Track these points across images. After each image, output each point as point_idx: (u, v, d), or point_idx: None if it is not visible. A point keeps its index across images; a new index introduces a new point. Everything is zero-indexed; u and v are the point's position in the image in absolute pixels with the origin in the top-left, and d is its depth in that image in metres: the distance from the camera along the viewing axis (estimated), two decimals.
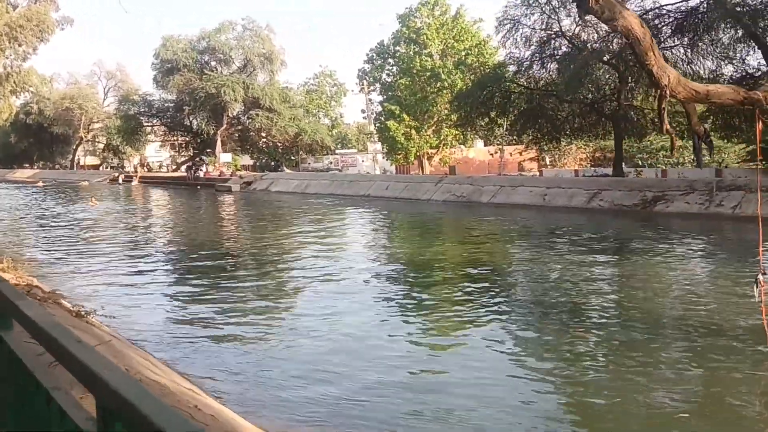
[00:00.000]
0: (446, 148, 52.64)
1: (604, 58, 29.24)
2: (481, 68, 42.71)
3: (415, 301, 10.96)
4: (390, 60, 57.18)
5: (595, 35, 32.17)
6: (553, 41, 32.27)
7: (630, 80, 31.09)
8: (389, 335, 8.54)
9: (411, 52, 50.82)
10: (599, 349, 7.91)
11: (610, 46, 29.34)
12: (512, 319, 9.36)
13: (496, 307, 10.07)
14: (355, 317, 9.44)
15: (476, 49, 50.16)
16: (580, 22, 31.72)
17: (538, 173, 46.70)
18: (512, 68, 33.25)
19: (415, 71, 49.47)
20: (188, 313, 9.42)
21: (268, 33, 64.61)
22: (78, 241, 18.91)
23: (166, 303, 10.16)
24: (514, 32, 32.36)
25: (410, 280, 12.90)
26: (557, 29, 31.64)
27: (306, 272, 13.25)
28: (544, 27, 32.03)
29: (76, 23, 57.65)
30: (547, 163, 47.76)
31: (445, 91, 48.62)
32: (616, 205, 24.29)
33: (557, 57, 32.12)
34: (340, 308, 9.99)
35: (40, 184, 63.41)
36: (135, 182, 64.04)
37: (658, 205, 23.25)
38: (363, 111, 64.65)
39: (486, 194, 29.97)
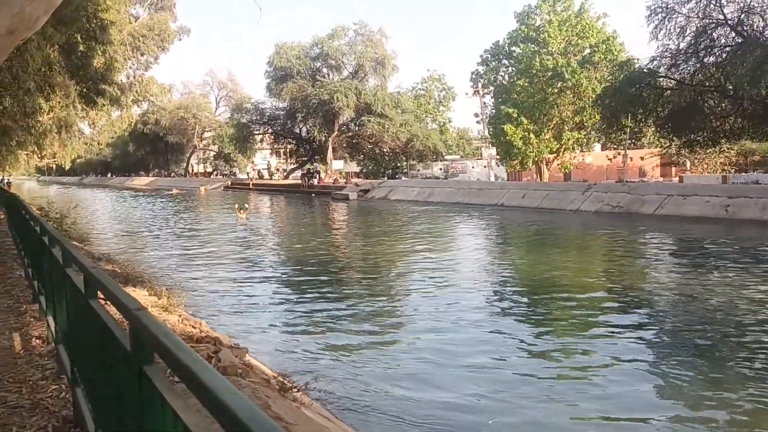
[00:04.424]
0: (567, 152, 49.50)
1: None
2: (619, 65, 39.26)
3: (554, 327, 9.73)
4: (505, 61, 54.75)
5: (762, 23, 28.53)
6: (711, 31, 28.76)
7: None
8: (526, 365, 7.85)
9: (530, 52, 47.99)
10: None
11: None
12: (665, 354, 8.21)
13: (646, 340, 8.75)
14: (486, 349, 8.51)
15: (603, 46, 46.80)
16: (745, 9, 28.18)
17: (663, 179, 42.97)
18: (666, 61, 29.81)
19: (534, 71, 46.60)
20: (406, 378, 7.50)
21: (381, 37, 63.62)
22: (236, 264, 17.24)
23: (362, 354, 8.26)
24: (667, 22, 29.09)
25: (549, 302, 11.34)
26: (719, 17, 28.13)
27: (456, 295, 11.56)
28: (702, 15, 28.59)
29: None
30: (688, 168, 43.57)
31: (567, 92, 45.68)
32: None
33: (717, 48, 28.61)
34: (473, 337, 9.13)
35: (174, 192, 65.26)
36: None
37: None
38: (476, 115, 62.09)
39: (649, 204, 26.41)
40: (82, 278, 3.02)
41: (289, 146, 77.73)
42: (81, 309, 3.00)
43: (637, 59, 37.41)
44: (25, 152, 45.63)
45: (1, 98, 14.93)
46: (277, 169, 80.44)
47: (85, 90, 23.34)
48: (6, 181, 58.54)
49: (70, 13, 14.31)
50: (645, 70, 31.33)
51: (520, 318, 10.41)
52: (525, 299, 12.02)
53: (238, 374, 4.49)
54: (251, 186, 65.39)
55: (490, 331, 9.43)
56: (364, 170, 74.06)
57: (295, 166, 76.39)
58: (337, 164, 66.00)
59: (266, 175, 77.11)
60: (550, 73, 45.56)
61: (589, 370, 7.62)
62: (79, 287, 3.04)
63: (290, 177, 72.83)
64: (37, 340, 5.48)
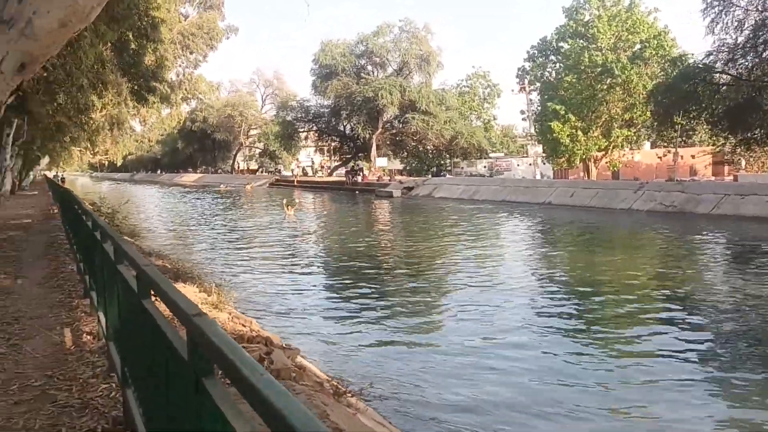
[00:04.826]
0: (615, 150, 48.26)
1: None
2: (672, 61, 38.07)
3: (615, 336, 9.39)
4: (552, 57, 53.78)
5: None
6: None
7: None
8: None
9: (578, 47, 46.92)
10: None
11: None
12: (730, 369, 7.75)
13: (711, 355, 8.32)
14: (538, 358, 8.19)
15: (654, 41, 45.47)
16: None
17: (714, 178, 41.54)
18: (722, 56, 28.74)
19: (582, 67, 45.50)
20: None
21: (426, 34, 63.35)
22: (284, 261, 17.15)
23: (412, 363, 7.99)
24: (724, 15, 28.04)
25: (599, 309, 10.94)
26: None
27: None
28: (761, 8, 27.46)
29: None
30: (743, 166, 42.03)
31: (617, 88, 44.51)
32: None
33: None
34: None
35: (222, 188, 66.52)
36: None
37: None
38: (522, 112, 61.19)
39: (705, 204, 25.51)
40: (135, 276, 2.93)
41: (333, 143, 78.07)
42: (133, 307, 2.90)
43: (691, 54, 36.32)
44: (79, 148, 46.76)
45: (55, 95, 15.23)
46: (321, 167, 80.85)
47: (136, 87, 23.74)
48: (60, 176, 60.29)
49: (123, 10, 14.49)
50: (700, 66, 30.29)
51: (580, 325, 9.93)
52: (586, 305, 11.40)
53: (292, 378, 4.34)
54: (296, 183, 65.82)
55: (551, 338, 9.10)
56: (408, 168, 73.86)
57: (339, 163, 76.69)
58: (381, 162, 65.89)
59: (310, 173, 77.51)
60: (599, 69, 44.47)
61: (650, 382, 7.23)
62: (131, 285, 2.93)
63: (334, 174, 73.10)
64: (88, 336, 5.47)
